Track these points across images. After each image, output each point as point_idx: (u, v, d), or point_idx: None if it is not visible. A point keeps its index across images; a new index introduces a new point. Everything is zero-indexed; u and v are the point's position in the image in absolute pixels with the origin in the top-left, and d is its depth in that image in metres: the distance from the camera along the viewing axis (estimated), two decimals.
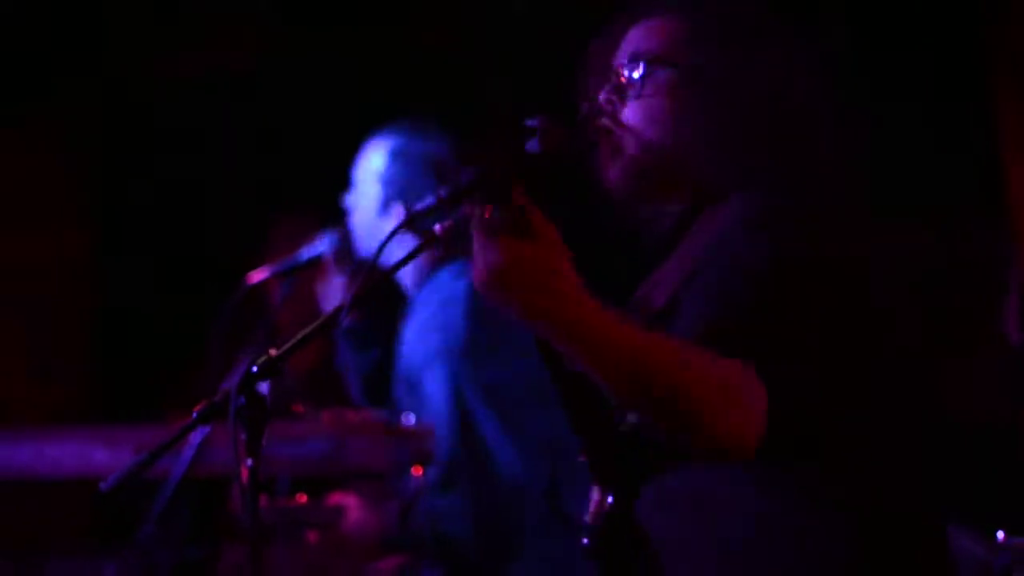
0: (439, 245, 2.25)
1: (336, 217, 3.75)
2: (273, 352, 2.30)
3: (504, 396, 3.30)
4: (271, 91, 5.52)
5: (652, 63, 2.34)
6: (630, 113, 2.35)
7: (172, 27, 5.63)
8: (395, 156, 3.50)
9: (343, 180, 3.78)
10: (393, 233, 2.45)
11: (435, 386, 3.37)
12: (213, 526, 4.37)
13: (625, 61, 2.38)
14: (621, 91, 2.37)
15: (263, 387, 2.31)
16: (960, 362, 3.40)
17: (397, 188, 3.48)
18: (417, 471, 3.44)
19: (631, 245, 2.41)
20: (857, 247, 2.22)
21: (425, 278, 3.50)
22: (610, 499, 2.22)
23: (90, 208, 5.82)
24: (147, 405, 4.92)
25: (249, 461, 2.28)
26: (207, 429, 2.78)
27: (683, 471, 2.22)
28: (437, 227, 2.26)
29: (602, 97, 2.38)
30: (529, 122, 2.33)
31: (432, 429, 3.40)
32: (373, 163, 3.51)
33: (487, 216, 2.03)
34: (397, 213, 3.48)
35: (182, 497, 3.03)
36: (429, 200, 2.32)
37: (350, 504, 3.40)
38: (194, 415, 2.41)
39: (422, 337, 3.42)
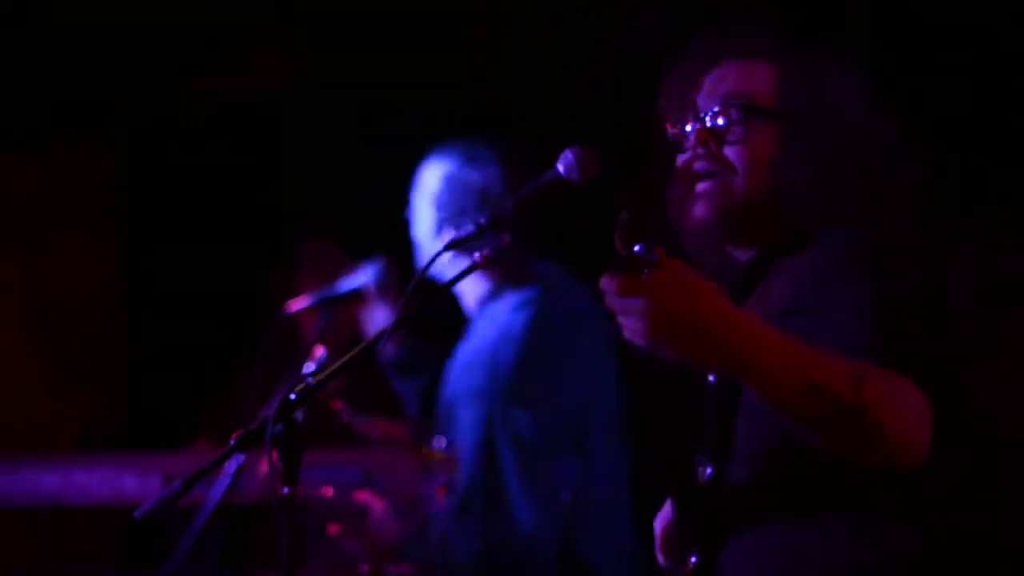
0: (481, 271, 2.25)
1: (364, 244, 3.75)
2: (311, 380, 2.30)
3: (534, 446, 3.30)
4: (300, 113, 5.53)
5: (751, 109, 2.37)
6: (732, 154, 2.36)
7: (203, 46, 5.64)
8: (448, 181, 3.51)
9: (371, 206, 3.75)
10: (429, 264, 2.45)
11: (468, 421, 3.38)
12: (244, 553, 4.37)
13: (717, 102, 2.39)
14: (717, 134, 2.38)
15: (298, 413, 2.30)
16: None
17: (448, 214, 3.48)
18: (440, 492, 3.44)
19: None
20: (941, 268, 2.27)
21: (486, 302, 3.49)
22: (694, 559, 2.22)
23: (118, 228, 5.83)
24: (174, 429, 4.93)
25: (286, 489, 2.27)
26: (242, 457, 2.79)
27: (766, 525, 2.21)
28: (477, 255, 2.27)
29: (695, 138, 2.39)
30: (566, 153, 2.34)
31: (457, 458, 3.40)
32: (428, 185, 3.52)
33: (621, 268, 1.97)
34: (447, 238, 3.48)
35: (215, 524, 3.02)
36: (468, 228, 2.33)
37: (375, 505, 3.41)
38: (231, 442, 2.40)
39: (470, 369, 3.42)
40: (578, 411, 3.33)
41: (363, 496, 3.42)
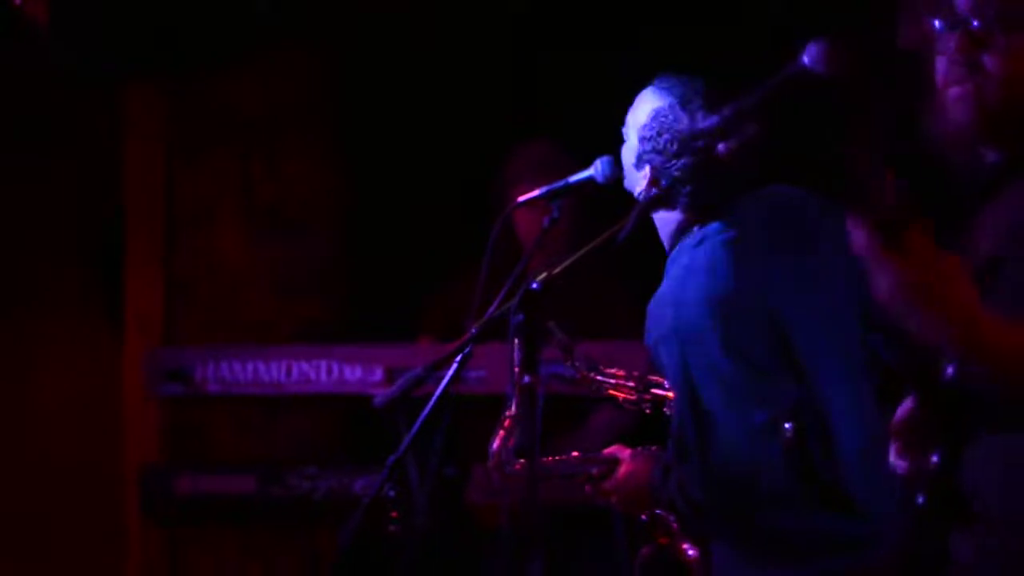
0: (723, 167, 2.24)
1: (583, 143, 3.74)
2: (551, 271, 2.32)
3: (733, 379, 3.27)
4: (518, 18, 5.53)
5: (1011, 15, 2.26)
6: (991, 63, 2.28)
7: None
8: (655, 117, 3.45)
9: (589, 109, 3.74)
10: (669, 168, 2.44)
11: (668, 360, 3.37)
12: (465, 445, 4.44)
13: (974, 7, 2.29)
14: (977, 40, 2.29)
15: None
16: None
17: (647, 150, 3.45)
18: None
19: (943, 186, 2.38)
20: None
21: (676, 237, 3.47)
22: (935, 458, 2.20)
23: (340, 128, 5.90)
24: (397, 326, 5.01)
25: (527, 378, 2.31)
26: (468, 349, 2.83)
27: (1009, 427, 2.17)
28: (721, 147, 2.25)
29: (953, 43, 2.34)
30: (811, 44, 2.30)
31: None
32: (639, 115, 3.48)
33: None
34: (645, 174, 3.43)
35: (437, 416, 3.08)
36: (712, 120, 2.31)
37: (623, 456, 3.44)
38: (472, 331, 2.44)
39: (661, 308, 3.42)
40: (783, 332, 3.27)
41: (611, 450, 3.45)
